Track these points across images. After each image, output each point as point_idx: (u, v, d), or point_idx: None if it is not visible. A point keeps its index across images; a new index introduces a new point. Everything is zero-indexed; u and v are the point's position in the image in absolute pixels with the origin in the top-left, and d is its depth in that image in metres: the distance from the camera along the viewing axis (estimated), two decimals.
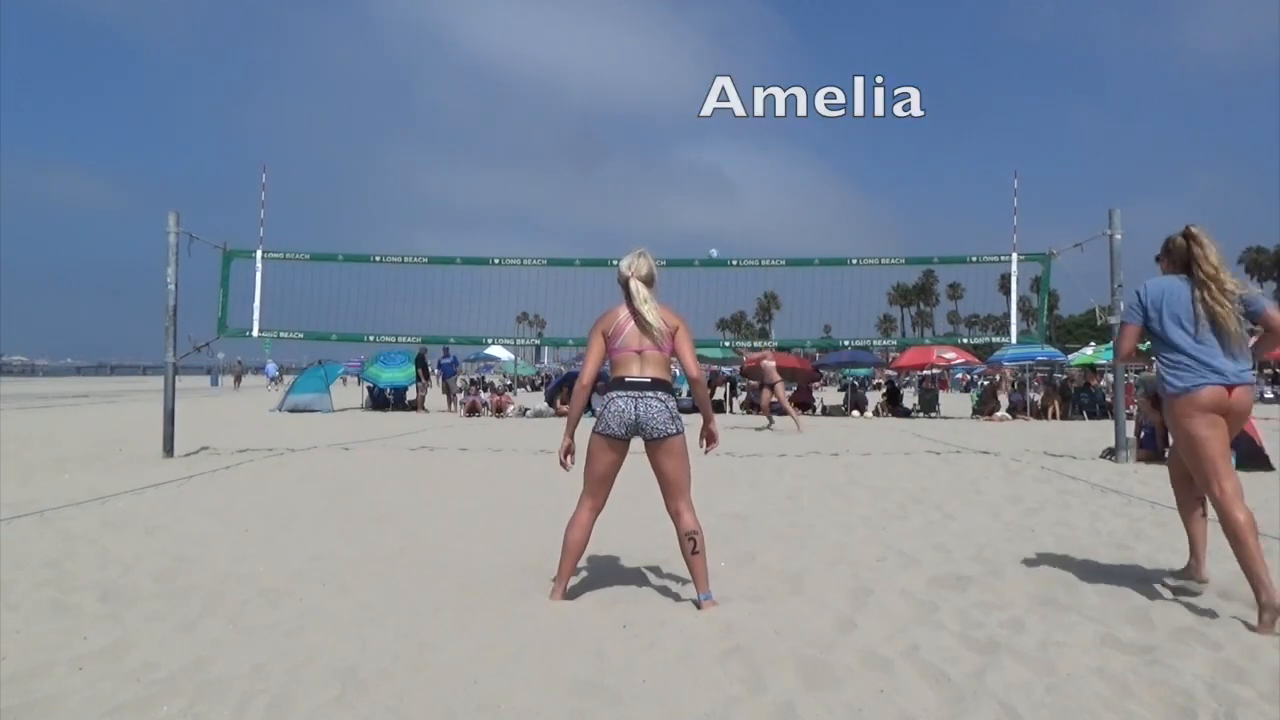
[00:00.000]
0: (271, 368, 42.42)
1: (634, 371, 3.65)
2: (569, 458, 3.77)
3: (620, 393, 3.63)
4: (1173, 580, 4.05)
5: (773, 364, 14.87)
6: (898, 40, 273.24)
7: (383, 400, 20.77)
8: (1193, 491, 3.89)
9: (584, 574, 4.21)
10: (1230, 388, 3.53)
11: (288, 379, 30.12)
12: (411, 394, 21.09)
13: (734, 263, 11.68)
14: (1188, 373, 3.56)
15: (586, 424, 3.76)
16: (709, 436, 3.83)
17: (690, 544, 3.65)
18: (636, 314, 3.68)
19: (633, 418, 3.60)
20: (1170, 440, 4.49)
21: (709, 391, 11.24)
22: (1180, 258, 3.72)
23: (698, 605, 3.61)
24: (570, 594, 3.81)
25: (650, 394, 3.62)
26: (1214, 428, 3.54)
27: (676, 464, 3.67)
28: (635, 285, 3.70)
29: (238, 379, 42.21)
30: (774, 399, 14.76)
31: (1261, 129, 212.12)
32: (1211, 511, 3.71)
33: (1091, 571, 4.25)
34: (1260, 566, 3.36)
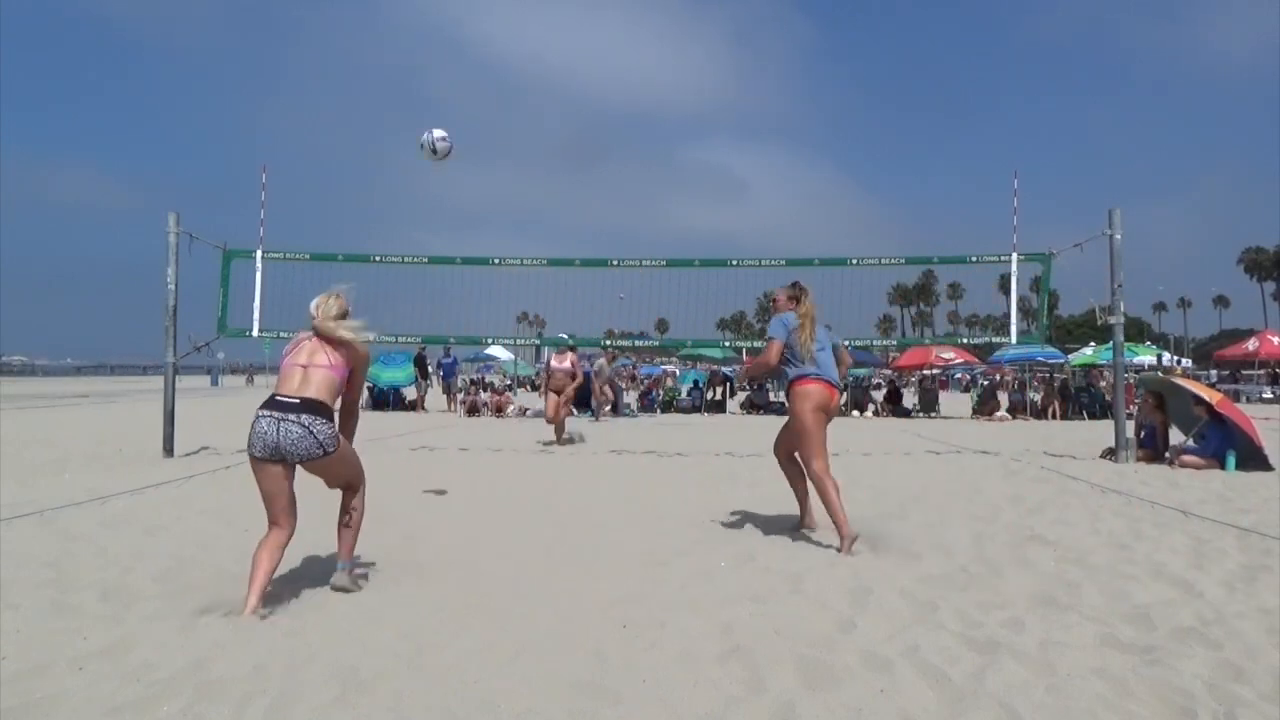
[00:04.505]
0: None
1: (287, 388, 3.51)
2: None
3: (264, 411, 3.45)
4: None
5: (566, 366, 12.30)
6: (908, 40, 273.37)
7: (383, 400, 20.77)
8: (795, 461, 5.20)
9: (583, 574, 4.21)
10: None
11: None
12: (411, 394, 21.10)
13: (734, 263, 11.65)
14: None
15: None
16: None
17: (347, 517, 3.79)
18: (318, 331, 3.65)
19: (274, 441, 3.43)
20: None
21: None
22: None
23: (333, 583, 3.77)
24: (570, 594, 3.80)
25: (292, 417, 3.43)
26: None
27: (335, 472, 3.70)
28: (320, 322, 3.67)
29: (250, 378, 42.05)
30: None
31: (1262, 129, 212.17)
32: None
33: (1091, 571, 4.25)
34: (840, 511, 4.71)
